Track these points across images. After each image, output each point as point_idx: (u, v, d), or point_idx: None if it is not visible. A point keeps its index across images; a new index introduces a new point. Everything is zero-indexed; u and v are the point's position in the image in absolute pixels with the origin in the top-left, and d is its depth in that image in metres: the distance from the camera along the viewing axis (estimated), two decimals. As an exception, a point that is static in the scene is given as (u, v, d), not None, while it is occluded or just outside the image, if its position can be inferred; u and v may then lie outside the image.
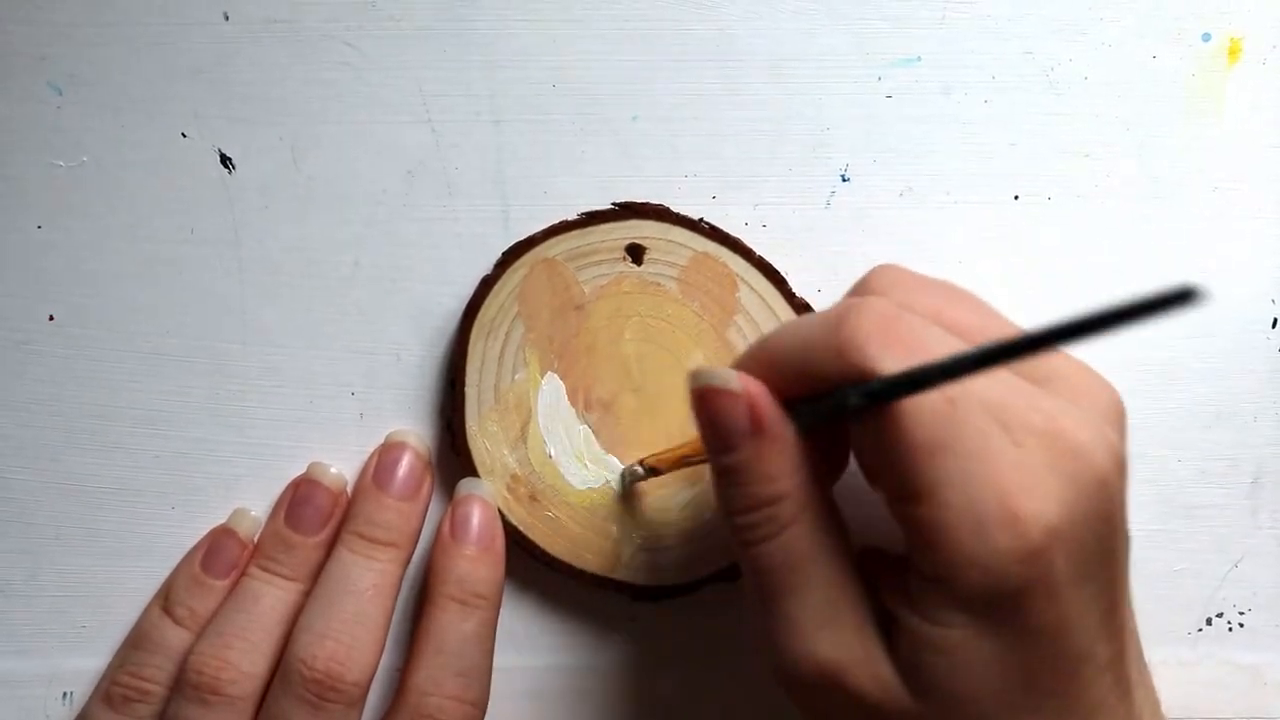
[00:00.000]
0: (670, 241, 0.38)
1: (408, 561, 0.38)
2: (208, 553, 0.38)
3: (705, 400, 0.30)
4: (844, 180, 0.39)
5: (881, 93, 0.39)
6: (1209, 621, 0.40)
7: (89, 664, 0.39)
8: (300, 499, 0.38)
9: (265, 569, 0.37)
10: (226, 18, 0.38)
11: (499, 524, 0.38)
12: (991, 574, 0.27)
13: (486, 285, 0.38)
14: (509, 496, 0.38)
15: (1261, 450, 0.40)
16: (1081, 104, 0.39)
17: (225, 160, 0.39)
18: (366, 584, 0.36)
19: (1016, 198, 0.39)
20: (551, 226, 0.38)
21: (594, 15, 0.38)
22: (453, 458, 0.38)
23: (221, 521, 0.39)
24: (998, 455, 0.27)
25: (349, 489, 0.38)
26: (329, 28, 0.38)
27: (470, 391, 0.38)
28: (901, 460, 0.28)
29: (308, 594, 0.37)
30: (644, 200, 0.38)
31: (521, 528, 0.38)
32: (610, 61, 0.39)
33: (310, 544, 0.37)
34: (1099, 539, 0.28)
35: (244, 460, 0.39)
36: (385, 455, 0.38)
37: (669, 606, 0.39)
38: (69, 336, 0.39)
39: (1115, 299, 0.22)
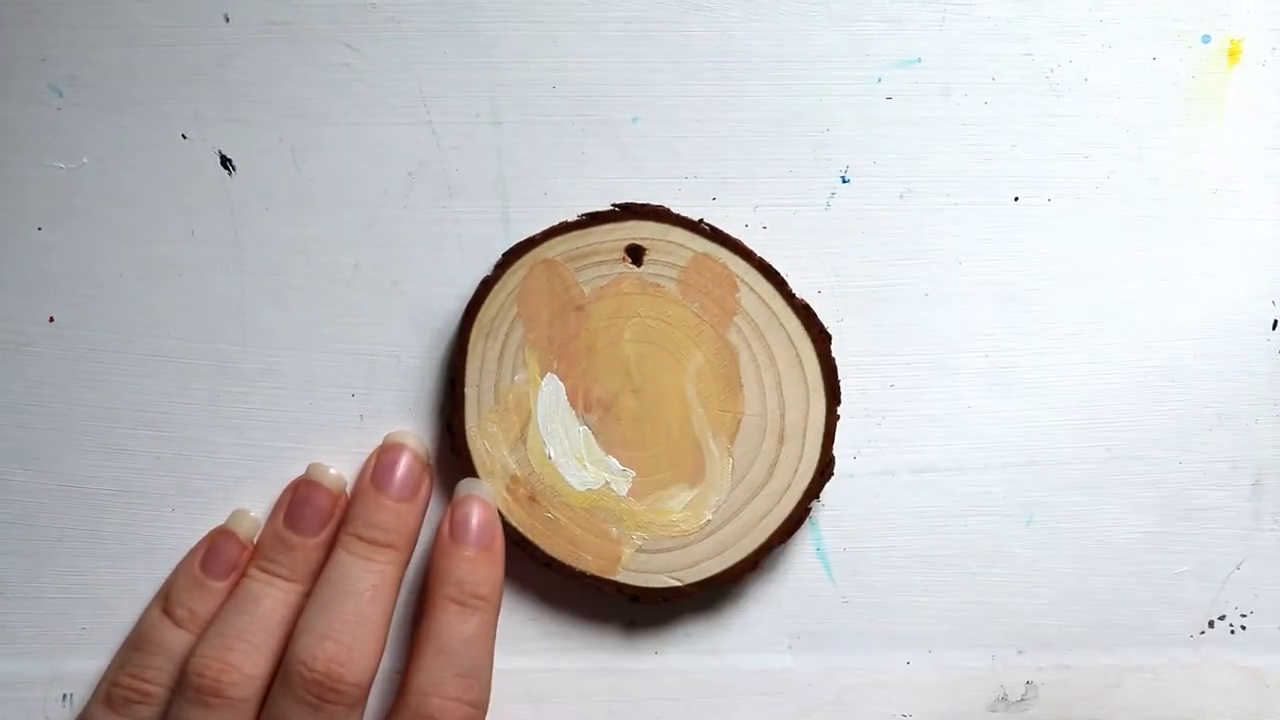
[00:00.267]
0: (670, 242, 0.38)
1: (407, 562, 0.38)
2: (207, 554, 0.38)
3: None
4: (844, 181, 0.39)
5: (882, 94, 0.39)
6: (1211, 624, 0.40)
7: (89, 665, 0.39)
8: (300, 500, 0.38)
9: (265, 570, 0.37)
10: (227, 19, 0.38)
11: (499, 525, 0.37)
12: None
13: (486, 286, 0.38)
14: (508, 497, 0.38)
15: (1262, 452, 0.40)
16: (1081, 105, 0.39)
17: (225, 161, 0.39)
18: (366, 585, 0.36)
19: (1016, 199, 0.39)
20: (551, 227, 0.38)
21: (594, 17, 0.38)
22: (452, 458, 0.38)
23: (221, 523, 0.39)
24: None
25: (348, 490, 0.38)
26: (329, 29, 0.38)
27: (470, 392, 0.38)
28: None
29: (308, 595, 0.37)
30: (644, 201, 0.38)
31: (521, 529, 0.38)
32: (611, 63, 0.39)
33: (310, 545, 0.37)
34: None
35: (244, 461, 0.39)
36: (383, 456, 0.38)
37: (668, 608, 0.39)
38: (69, 338, 0.39)
39: None
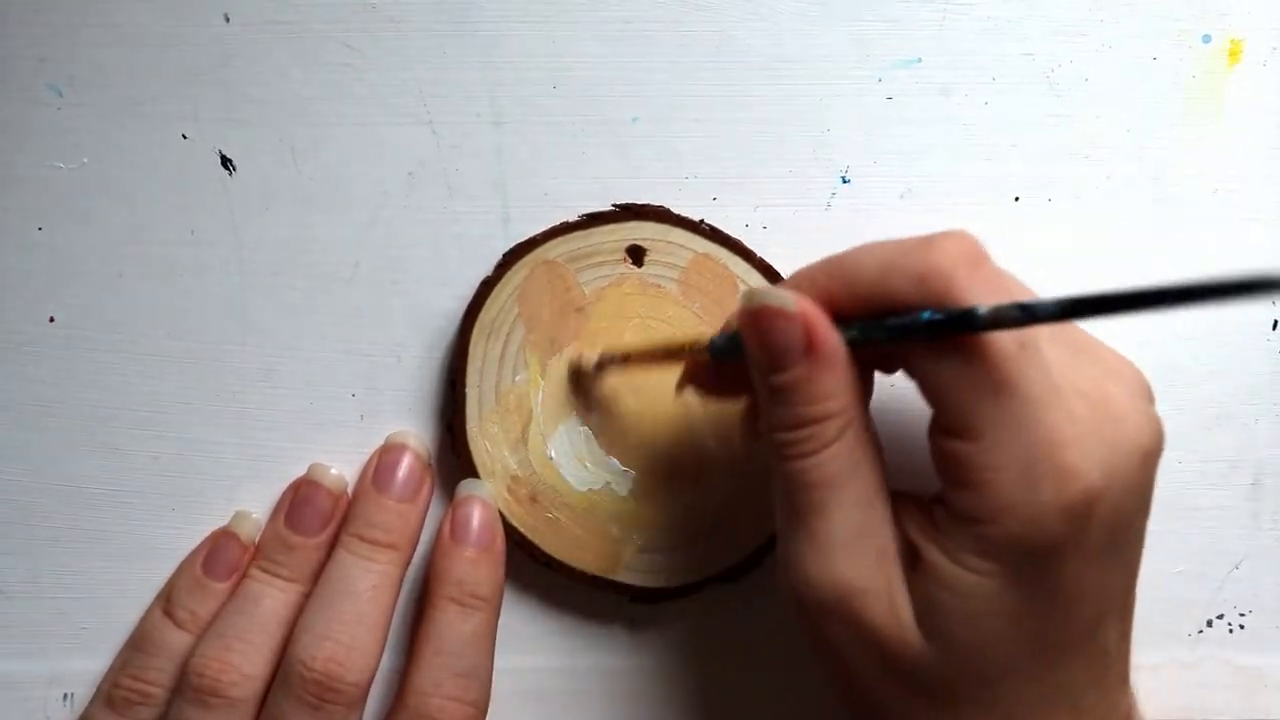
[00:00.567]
0: (671, 243, 0.38)
1: (407, 563, 0.38)
2: (209, 555, 0.38)
3: (759, 320, 0.29)
4: (844, 182, 0.39)
5: (882, 94, 0.39)
6: (1210, 623, 0.40)
7: (90, 665, 0.39)
8: (301, 500, 0.38)
9: (266, 570, 0.37)
10: (227, 19, 0.38)
11: (499, 525, 0.37)
12: (1030, 523, 0.27)
13: (487, 286, 0.38)
14: (509, 498, 0.38)
15: (1262, 452, 0.40)
16: (1082, 105, 0.39)
17: (226, 161, 0.39)
18: (366, 585, 0.36)
19: (1017, 199, 0.39)
20: (552, 228, 0.38)
21: (594, 17, 0.38)
22: (453, 459, 0.38)
23: (222, 523, 0.39)
24: (1055, 408, 0.27)
25: (349, 490, 0.38)
26: (329, 29, 0.38)
27: (471, 393, 0.38)
28: (962, 394, 0.27)
29: (308, 595, 0.37)
30: (644, 202, 0.38)
31: (522, 529, 0.38)
32: (611, 63, 0.39)
33: (311, 545, 0.37)
34: (1132, 511, 0.28)
35: (244, 462, 0.39)
36: (385, 457, 0.38)
37: (668, 608, 0.39)
38: (69, 338, 0.39)
39: (1202, 277, 0.22)
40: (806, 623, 0.30)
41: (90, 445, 0.39)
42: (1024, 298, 0.27)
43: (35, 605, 0.40)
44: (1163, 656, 0.40)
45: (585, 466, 0.38)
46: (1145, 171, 0.39)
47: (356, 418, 0.39)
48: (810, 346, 0.29)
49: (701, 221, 0.38)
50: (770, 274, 0.38)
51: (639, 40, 0.38)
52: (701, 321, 0.38)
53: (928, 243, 0.28)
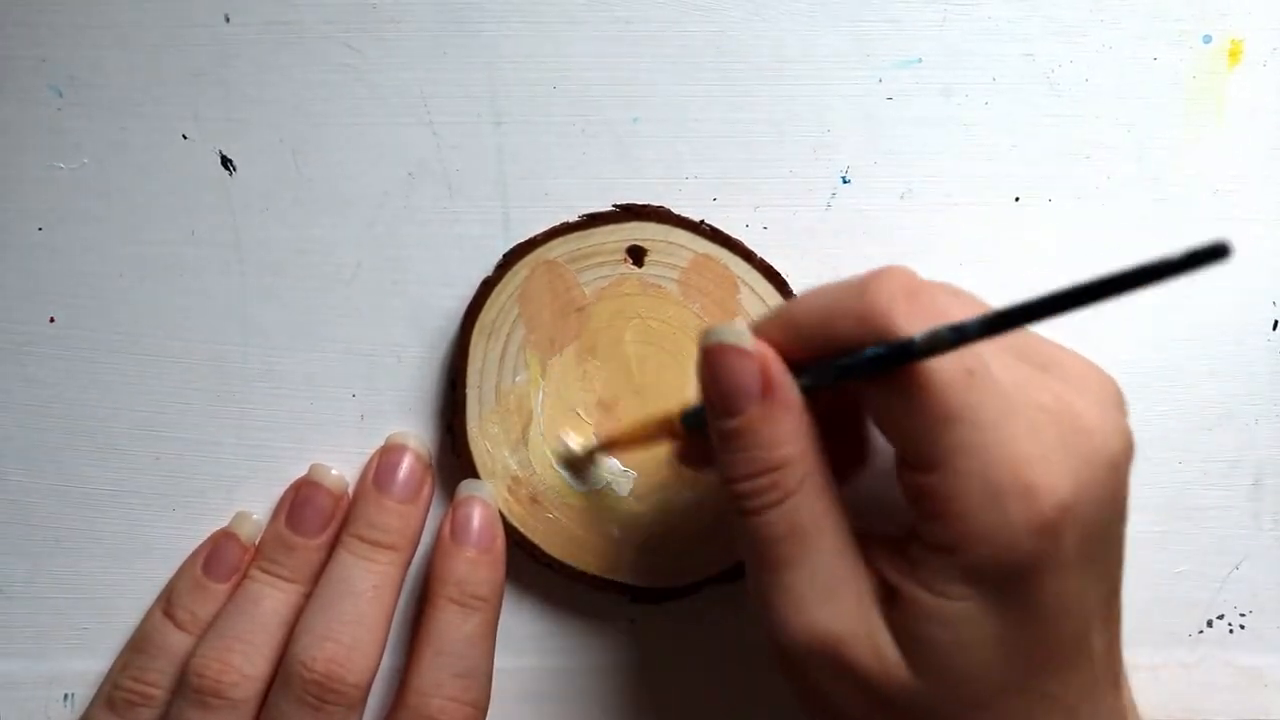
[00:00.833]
0: (671, 243, 0.38)
1: (408, 563, 0.38)
2: (209, 556, 0.38)
3: (715, 358, 0.30)
4: (845, 182, 0.39)
5: (882, 94, 0.39)
6: (1210, 623, 0.40)
7: (90, 666, 0.39)
8: (301, 501, 0.38)
9: (266, 571, 0.37)
10: (227, 19, 0.38)
11: (499, 525, 0.38)
12: (1002, 545, 0.27)
13: (487, 287, 0.38)
14: (510, 498, 0.38)
15: (1262, 452, 0.40)
16: (1082, 106, 0.39)
17: (226, 162, 0.39)
18: (367, 586, 0.36)
19: (1017, 199, 0.39)
20: (552, 228, 0.38)
21: (595, 17, 0.38)
22: (453, 459, 0.38)
23: (222, 523, 0.39)
24: (1013, 429, 0.27)
25: (350, 491, 0.38)
26: (329, 29, 0.38)
27: (471, 393, 0.38)
28: (917, 427, 0.28)
29: (309, 596, 0.37)
30: (645, 202, 0.38)
31: (522, 529, 0.38)
32: (611, 63, 0.38)
33: (311, 546, 0.37)
34: (1106, 521, 0.28)
35: (245, 462, 0.39)
36: (385, 458, 0.38)
37: (669, 608, 0.39)
38: (69, 338, 0.39)
39: (1143, 258, 0.22)
40: (790, 672, 0.30)
41: (90, 445, 0.39)
42: (965, 317, 0.27)
43: (35, 605, 0.40)
44: (1163, 656, 0.40)
45: (585, 467, 0.38)
46: (1145, 171, 0.39)
47: (357, 418, 0.39)
48: (765, 389, 0.29)
49: (702, 222, 0.38)
50: (770, 274, 0.37)
51: (639, 40, 0.38)
52: (701, 322, 0.38)
53: (865, 281, 0.29)
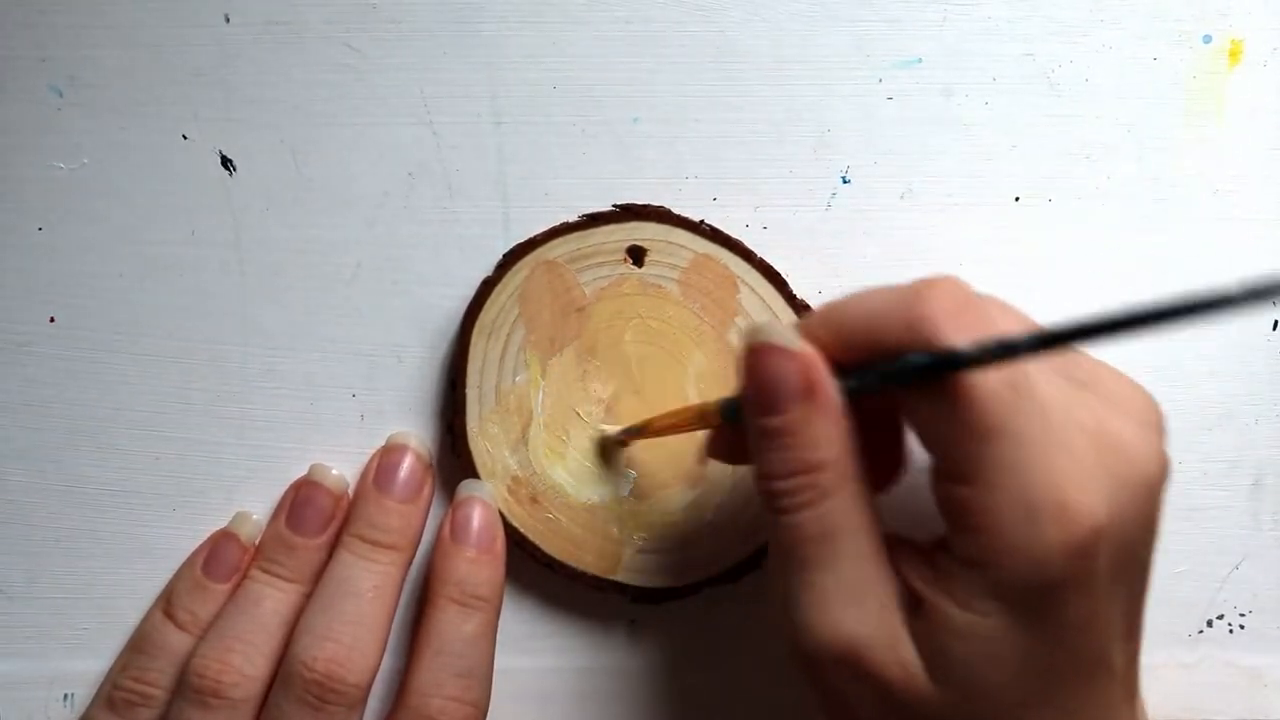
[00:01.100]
0: (671, 243, 0.38)
1: (409, 563, 0.38)
2: (209, 556, 0.38)
3: (760, 357, 0.29)
4: (845, 182, 0.39)
5: (882, 94, 0.39)
6: (1210, 623, 0.40)
7: (90, 666, 0.39)
8: (301, 501, 0.38)
9: (266, 571, 0.37)
10: (227, 19, 0.38)
11: (500, 526, 0.37)
12: (1035, 564, 0.27)
13: (487, 287, 0.38)
14: (510, 498, 0.38)
15: (1262, 452, 0.40)
16: (1082, 106, 0.39)
17: (226, 162, 0.39)
18: (367, 586, 0.36)
19: (1017, 200, 0.39)
20: (552, 228, 0.38)
21: (595, 17, 0.38)
22: (453, 459, 0.38)
23: (222, 524, 0.39)
24: (1052, 447, 0.27)
25: (350, 491, 0.38)
26: (330, 29, 0.38)
27: (471, 393, 0.38)
28: (957, 439, 0.27)
29: (309, 596, 0.37)
30: (645, 202, 0.38)
31: (522, 529, 0.38)
32: (611, 63, 0.38)
33: (311, 546, 0.37)
34: (1138, 542, 0.28)
35: (245, 462, 0.39)
36: (386, 458, 0.38)
37: (669, 608, 0.39)
38: (69, 338, 0.39)
39: (1202, 289, 0.22)
40: (811, 674, 0.30)
41: (90, 446, 0.39)
42: (1011, 333, 0.27)
43: (35, 605, 0.40)
44: (1163, 656, 0.40)
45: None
46: (1145, 171, 0.39)
47: (357, 418, 0.39)
48: (808, 390, 0.29)
49: (702, 222, 0.38)
50: (770, 274, 0.37)
51: (639, 40, 0.38)
52: (701, 322, 0.38)
53: (916, 289, 0.29)
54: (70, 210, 0.39)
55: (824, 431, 0.29)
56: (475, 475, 0.38)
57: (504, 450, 0.38)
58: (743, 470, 0.38)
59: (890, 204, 0.39)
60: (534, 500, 0.38)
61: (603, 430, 0.38)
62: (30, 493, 0.39)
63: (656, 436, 0.37)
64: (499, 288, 0.38)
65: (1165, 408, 0.39)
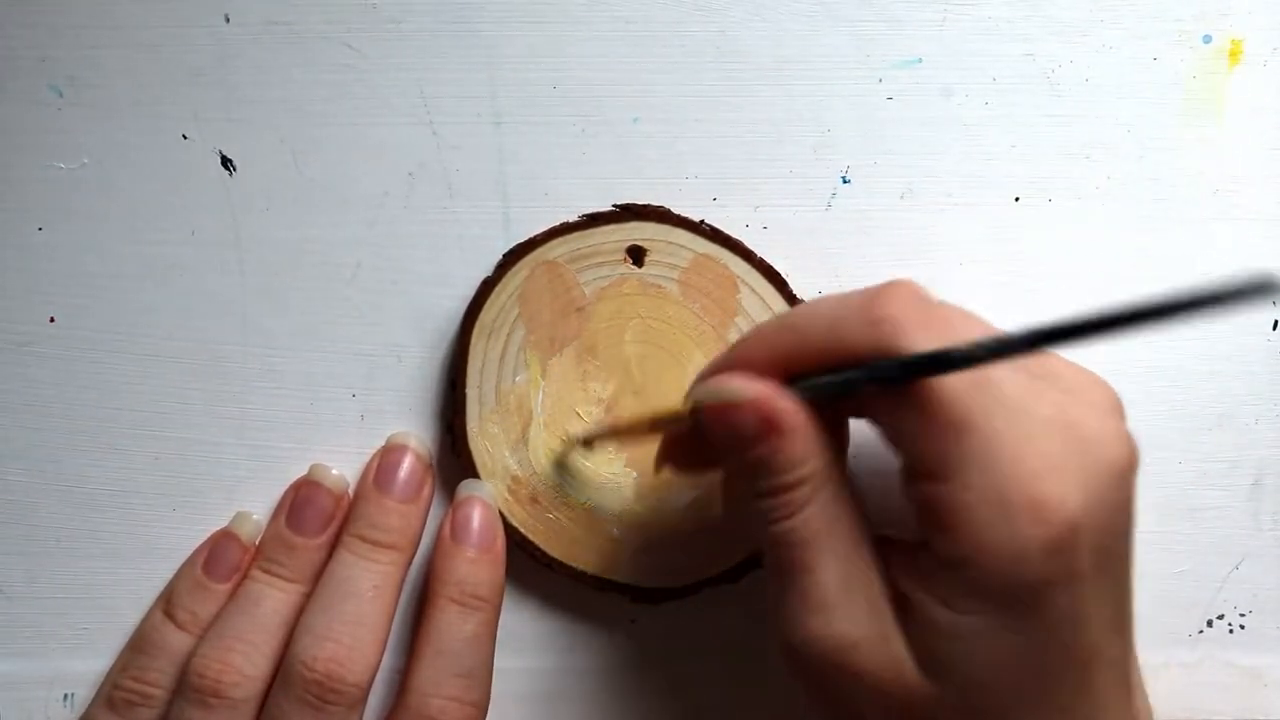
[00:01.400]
0: (671, 243, 0.38)
1: (409, 563, 0.38)
2: (209, 556, 0.38)
3: (712, 417, 0.30)
4: (845, 182, 0.39)
5: (882, 94, 0.39)
6: (1210, 623, 0.40)
7: (90, 665, 0.39)
8: (302, 501, 0.38)
9: (267, 570, 0.37)
10: (227, 19, 0.38)
11: (500, 525, 0.38)
12: (1014, 562, 0.27)
13: (487, 287, 0.38)
14: (510, 498, 0.38)
15: (1262, 452, 0.40)
16: (1082, 106, 0.39)
17: (226, 162, 0.39)
18: (368, 585, 0.36)
19: (1017, 199, 0.39)
20: (552, 228, 0.38)
21: (595, 17, 0.38)
22: (453, 459, 0.38)
23: (222, 523, 0.39)
24: (1021, 440, 0.27)
25: (350, 491, 0.38)
26: (330, 29, 0.38)
27: (471, 393, 0.38)
28: (925, 437, 0.28)
29: (309, 595, 0.37)
30: (645, 202, 0.38)
31: (522, 529, 0.38)
32: (611, 63, 0.38)
33: (312, 545, 0.37)
34: (1116, 531, 0.28)
35: (245, 462, 0.39)
36: (386, 458, 0.38)
37: (669, 608, 0.39)
38: (70, 338, 0.39)
39: (1179, 289, 0.22)
40: (804, 679, 0.30)
41: (91, 445, 0.39)
42: (976, 335, 0.27)
43: (35, 605, 0.40)
44: (1163, 656, 0.40)
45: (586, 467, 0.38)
46: (1145, 171, 0.39)
47: (357, 418, 0.39)
48: (767, 426, 0.29)
49: (702, 222, 0.38)
50: (770, 274, 0.37)
51: (639, 40, 0.38)
52: (701, 322, 0.38)
53: (875, 294, 0.29)
54: (70, 210, 0.39)
55: (794, 453, 0.29)
56: (475, 475, 0.38)
57: (504, 450, 0.38)
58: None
59: (890, 204, 0.39)
60: (534, 500, 0.38)
61: (568, 437, 0.38)
62: (30, 493, 0.39)
63: (624, 441, 0.37)
64: (499, 288, 0.38)
65: (1165, 408, 0.39)
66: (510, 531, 0.38)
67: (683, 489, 0.38)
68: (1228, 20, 0.39)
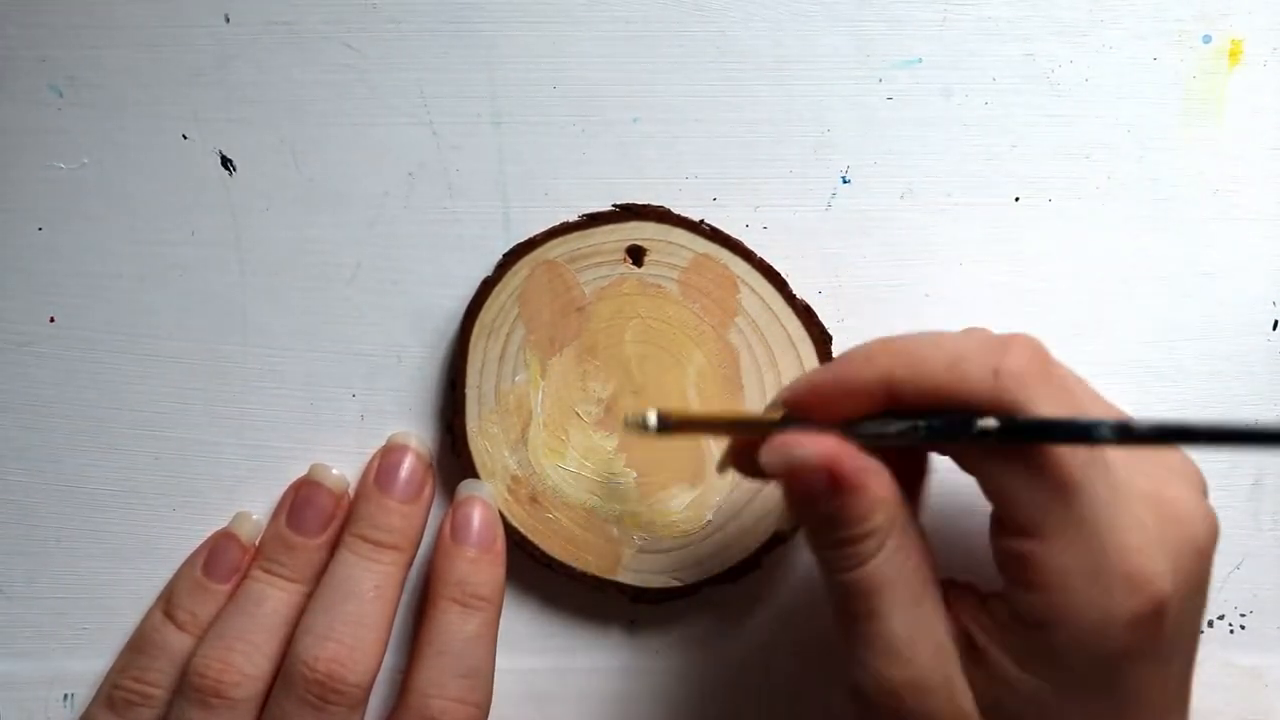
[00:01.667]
0: (671, 243, 0.38)
1: (410, 563, 0.38)
2: (209, 557, 0.38)
3: (789, 480, 0.30)
4: (845, 182, 0.39)
5: (882, 94, 0.39)
6: (1210, 624, 0.40)
7: (90, 666, 0.39)
8: (302, 501, 0.38)
9: (267, 570, 0.37)
10: (227, 20, 0.38)
11: (500, 525, 0.38)
12: (1100, 632, 0.27)
13: (487, 287, 0.38)
14: (510, 498, 0.38)
15: (1262, 453, 0.40)
16: (1082, 106, 0.39)
17: (226, 162, 0.39)
18: (368, 586, 0.36)
19: (1017, 199, 0.39)
20: (552, 228, 0.38)
21: (595, 17, 0.38)
22: (453, 459, 0.38)
23: (223, 523, 0.39)
24: (1121, 511, 0.27)
25: (350, 490, 0.38)
26: (330, 29, 0.38)
27: (471, 393, 0.38)
28: (1029, 494, 0.27)
29: (310, 595, 0.37)
30: (645, 202, 0.38)
31: (522, 529, 0.38)
32: (611, 63, 0.38)
33: (312, 545, 0.37)
34: (1193, 611, 0.28)
35: (245, 462, 0.39)
36: (387, 458, 0.38)
37: (668, 608, 0.39)
38: (70, 338, 0.39)
39: None
40: (870, 718, 0.30)
41: (91, 445, 0.39)
42: (1094, 411, 0.27)
43: (35, 605, 0.40)
44: (1163, 656, 0.40)
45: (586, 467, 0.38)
46: (1145, 171, 0.39)
47: (357, 418, 0.39)
48: (836, 485, 0.29)
49: (702, 222, 0.38)
50: (770, 274, 0.37)
51: (639, 40, 0.38)
52: (701, 322, 0.38)
53: (1004, 344, 0.28)
54: (70, 210, 0.39)
55: (861, 509, 0.29)
56: (475, 475, 0.38)
57: (504, 450, 0.38)
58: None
59: (890, 204, 0.39)
60: (534, 500, 0.38)
61: (643, 414, 0.35)
62: (31, 492, 0.39)
63: (701, 433, 0.37)
64: (499, 288, 0.38)
65: (1164, 408, 0.39)
66: (510, 531, 0.38)
67: (683, 489, 0.38)
68: (1228, 20, 0.39)
